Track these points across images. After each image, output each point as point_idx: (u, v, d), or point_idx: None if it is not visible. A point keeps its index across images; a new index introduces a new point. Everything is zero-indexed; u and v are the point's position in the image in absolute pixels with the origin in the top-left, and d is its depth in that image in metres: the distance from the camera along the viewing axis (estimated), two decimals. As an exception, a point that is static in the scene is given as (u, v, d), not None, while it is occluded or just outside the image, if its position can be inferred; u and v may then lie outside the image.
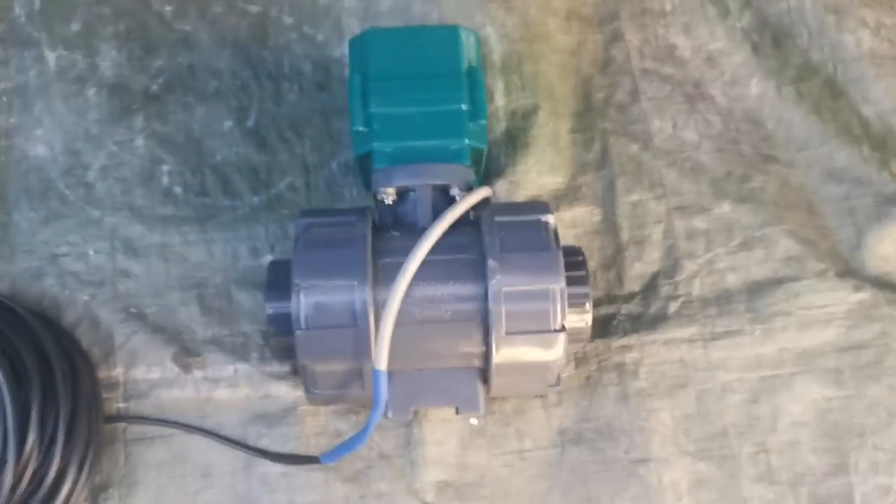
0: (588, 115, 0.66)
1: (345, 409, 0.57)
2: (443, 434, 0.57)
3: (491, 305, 0.47)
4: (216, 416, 0.57)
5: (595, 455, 0.57)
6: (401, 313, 0.47)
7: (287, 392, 0.58)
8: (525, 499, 0.56)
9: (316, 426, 0.57)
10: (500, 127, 0.64)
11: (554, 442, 0.57)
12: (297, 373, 0.57)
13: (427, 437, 0.57)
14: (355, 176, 0.63)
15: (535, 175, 0.63)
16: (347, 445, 0.52)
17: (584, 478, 0.56)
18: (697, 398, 0.58)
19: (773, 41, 0.67)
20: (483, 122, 0.55)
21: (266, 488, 0.56)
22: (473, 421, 0.58)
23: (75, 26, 0.66)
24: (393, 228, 0.52)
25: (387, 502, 0.56)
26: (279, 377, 0.58)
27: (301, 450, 0.57)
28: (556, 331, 0.48)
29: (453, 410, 0.55)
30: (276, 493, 0.56)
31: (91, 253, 0.61)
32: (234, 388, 0.57)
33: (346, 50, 0.66)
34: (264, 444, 0.57)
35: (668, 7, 0.69)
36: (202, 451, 0.56)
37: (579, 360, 0.58)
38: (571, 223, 0.62)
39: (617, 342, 0.59)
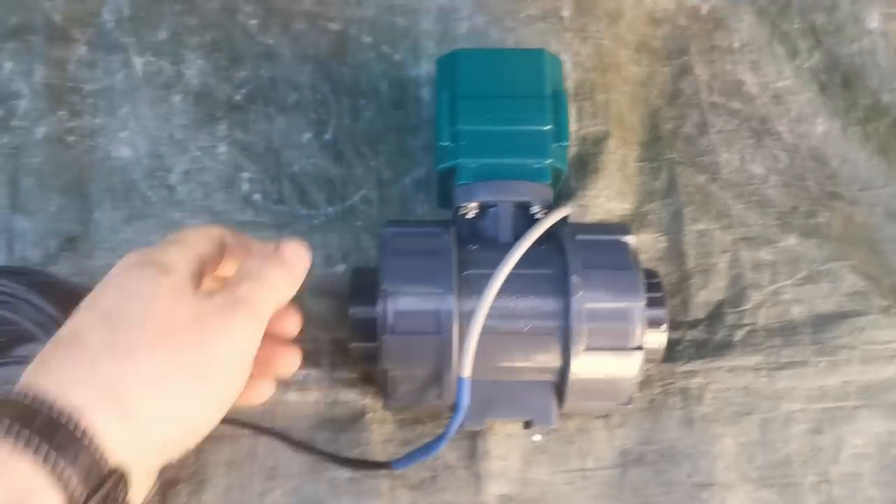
0: (656, 145, 0.67)
1: (411, 419, 0.58)
2: (507, 448, 0.58)
3: (572, 321, 0.48)
4: (285, 419, 0.58)
5: (657, 477, 0.57)
6: (482, 325, 0.48)
7: (356, 398, 0.59)
8: (586, 517, 0.57)
9: (383, 434, 0.58)
10: (571, 152, 0.66)
11: (616, 462, 0.58)
12: (367, 380, 0.58)
13: (492, 450, 0.58)
14: (427, 192, 0.65)
15: (604, 200, 0.64)
16: (421, 452, 0.53)
17: (645, 499, 0.57)
18: (761, 426, 0.58)
19: (842, 81, 0.68)
20: (565, 143, 0.56)
21: (332, 492, 0.57)
22: (536, 437, 0.58)
23: (163, 34, 0.68)
24: (471, 242, 0.54)
25: (451, 512, 0.56)
26: (348, 384, 0.59)
27: (367, 456, 0.58)
28: (634, 349, 0.49)
29: (519, 424, 0.57)
30: (342, 497, 0.56)
31: (171, 253, 0.62)
32: (304, 392, 0.58)
33: (422, 70, 0.69)
34: (332, 448, 0.57)
35: (737, 44, 0.71)
36: (270, 452, 0.57)
37: (644, 382, 0.59)
38: (637, 249, 0.63)
39: (682, 367, 0.60)
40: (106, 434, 0.36)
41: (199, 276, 0.43)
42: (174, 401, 0.39)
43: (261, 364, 0.45)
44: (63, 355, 0.38)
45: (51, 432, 0.34)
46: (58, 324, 0.53)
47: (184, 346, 0.39)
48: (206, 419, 0.42)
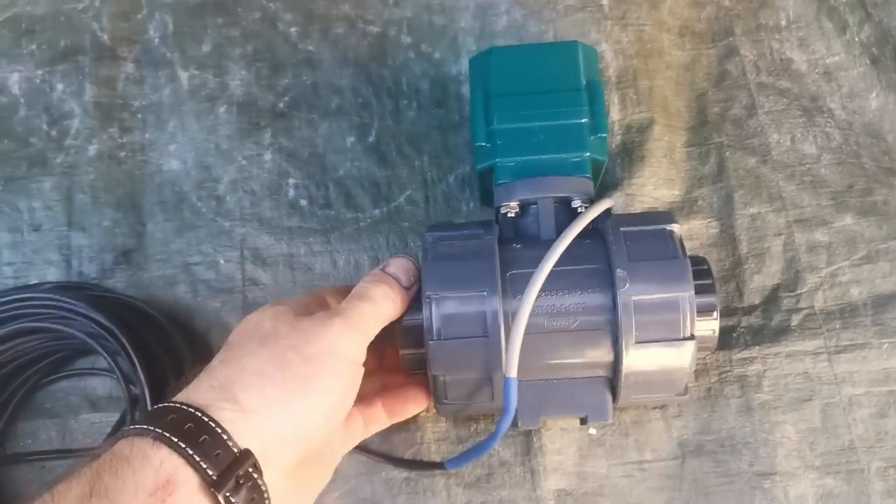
0: (703, 130, 0.66)
1: (465, 416, 0.58)
2: (562, 443, 0.57)
3: (620, 315, 0.48)
4: (340, 420, 0.59)
5: (717, 467, 0.56)
6: (528, 324, 0.47)
7: (409, 398, 0.59)
8: (645, 510, 0.56)
9: (437, 432, 0.58)
10: (615, 141, 0.65)
11: (674, 453, 0.57)
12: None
13: (547, 445, 0.57)
14: (472, 189, 0.65)
15: (652, 188, 0.63)
16: (474, 452, 0.53)
17: (706, 490, 0.56)
18: (823, 411, 0.57)
19: (894, 54, 0.66)
20: (603, 135, 0.55)
21: (389, 493, 0.57)
22: (592, 431, 0.58)
23: (206, 47, 0.70)
24: (514, 241, 0.53)
25: (508, 509, 0.56)
26: (401, 384, 0.59)
27: (422, 455, 0.58)
28: (685, 339, 0.48)
29: (574, 420, 0.57)
30: (398, 497, 0.57)
31: (222, 262, 0.63)
32: (357, 394, 0.59)
33: (462, 68, 0.68)
34: (386, 449, 0.58)
35: (784, 22, 0.69)
36: (326, 454, 0.58)
37: (699, 371, 0.58)
38: (688, 236, 0.62)
39: (738, 354, 0.59)
40: (227, 425, 0.40)
41: (313, 310, 0.48)
42: (280, 397, 0.42)
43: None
44: (195, 379, 0.43)
45: (181, 426, 0.39)
46: (112, 335, 0.55)
47: (284, 348, 0.44)
48: (315, 419, 0.44)
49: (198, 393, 0.42)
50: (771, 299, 0.60)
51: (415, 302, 0.51)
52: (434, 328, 0.49)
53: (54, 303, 0.57)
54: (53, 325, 0.57)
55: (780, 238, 0.62)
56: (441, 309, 0.49)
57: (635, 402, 0.52)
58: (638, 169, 0.64)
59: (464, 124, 0.67)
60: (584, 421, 0.51)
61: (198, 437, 0.39)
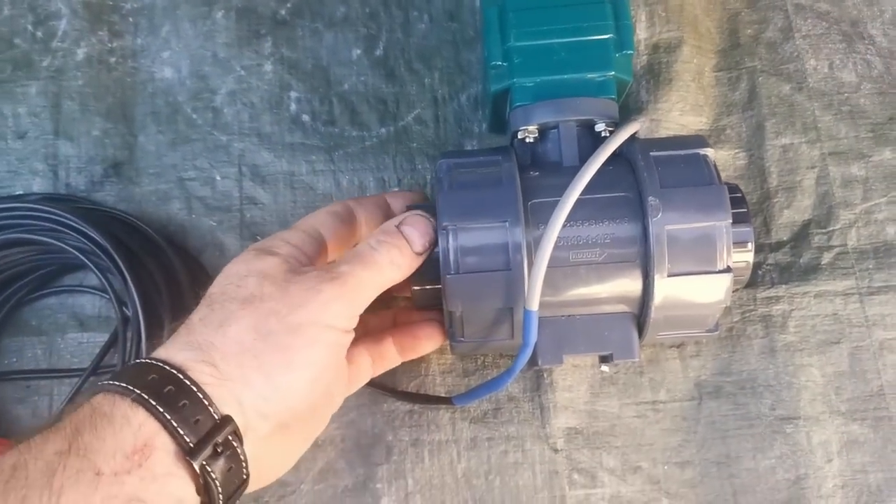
0: (734, 53, 0.62)
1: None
2: (573, 380, 0.55)
3: (652, 245, 0.44)
4: (341, 349, 0.56)
5: (736, 410, 0.54)
6: (552, 256, 0.44)
7: (414, 329, 0.56)
8: (658, 452, 0.54)
9: (442, 364, 0.56)
10: (641, 61, 0.61)
11: (691, 395, 0.54)
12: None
13: (558, 382, 0.55)
14: (485, 111, 0.61)
15: (678, 114, 0.59)
16: (485, 388, 0.50)
17: (723, 433, 0.53)
18: (851, 355, 0.54)
19: (942, -22, 0.62)
20: (629, 52, 0.51)
21: (391, 425, 0.54)
22: (605, 368, 0.55)
23: (203, -54, 0.64)
24: (532, 169, 0.49)
25: (515, 446, 0.54)
26: (406, 313, 0.56)
27: (426, 388, 0.55)
28: (721, 271, 0.44)
29: (586, 357, 0.54)
30: (400, 430, 0.54)
31: (218, 178, 0.59)
32: (360, 322, 0.56)
33: (478, -22, 0.63)
34: (389, 381, 0.55)
35: (825, -61, 0.64)
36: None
37: (720, 309, 0.55)
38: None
39: (763, 293, 0.56)
40: (208, 390, 0.38)
41: (308, 256, 0.45)
42: (258, 367, 0.40)
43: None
44: (176, 333, 0.41)
45: (160, 388, 0.37)
46: (105, 252, 0.52)
47: (267, 315, 0.40)
48: (296, 391, 0.41)
49: (178, 351, 0.40)
50: (801, 236, 0.57)
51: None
52: (452, 261, 0.45)
53: (44, 214, 0.54)
54: (42, 238, 0.54)
55: (814, 171, 0.58)
56: (459, 241, 0.45)
57: (662, 338, 0.49)
58: (664, 93, 0.60)
59: (478, 40, 0.62)
60: (605, 360, 0.48)
61: (177, 402, 0.37)
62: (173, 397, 0.37)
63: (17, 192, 0.59)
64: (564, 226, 0.44)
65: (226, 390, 0.39)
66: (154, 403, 0.37)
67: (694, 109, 0.60)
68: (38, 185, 0.60)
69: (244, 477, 0.40)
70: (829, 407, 0.53)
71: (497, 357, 0.55)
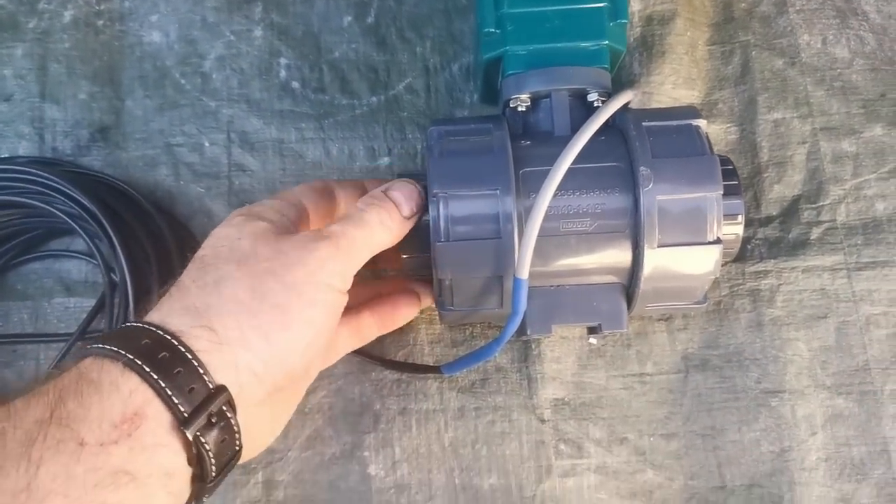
0: (728, 27, 0.61)
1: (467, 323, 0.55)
2: (561, 351, 0.55)
3: (643, 216, 0.44)
4: (329, 318, 0.55)
5: (723, 383, 0.54)
6: (542, 226, 0.43)
7: (402, 298, 0.56)
8: (644, 423, 0.54)
9: (431, 334, 0.55)
10: (634, 33, 0.60)
11: (677, 367, 0.55)
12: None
13: (546, 353, 0.55)
14: (477, 80, 0.60)
15: (671, 87, 0.59)
16: (473, 357, 0.50)
17: (709, 406, 0.54)
18: (838, 330, 0.54)
19: (937, -46, 0.61)
20: (623, 21, 0.50)
21: (378, 394, 0.54)
22: (592, 340, 0.55)
23: None
24: (523, 137, 0.49)
25: (502, 416, 0.54)
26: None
27: (414, 358, 0.55)
28: (711, 243, 0.44)
29: (574, 329, 0.54)
30: (388, 398, 0.54)
31: (206, 144, 0.59)
32: (348, 290, 0.56)
33: (472, -54, 0.63)
34: (377, 350, 0.55)
35: (821, -86, 0.64)
36: (313, 352, 0.55)
37: (708, 283, 0.55)
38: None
39: (752, 267, 0.56)
40: (203, 356, 0.37)
41: (293, 223, 0.44)
42: (257, 327, 0.39)
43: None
44: (167, 296, 0.40)
45: (154, 354, 0.36)
46: (93, 217, 0.51)
47: (263, 274, 0.40)
48: (293, 351, 0.40)
49: (172, 315, 0.38)
50: (790, 211, 0.57)
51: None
52: (442, 228, 0.45)
53: (31, 177, 0.53)
54: (29, 201, 0.53)
55: (805, 146, 0.58)
56: (450, 208, 0.45)
57: (651, 310, 0.49)
58: (657, 65, 0.59)
59: (470, 8, 0.62)
60: (593, 330, 0.48)
61: (172, 369, 0.36)
62: (168, 363, 0.36)
63: (3, 156, 0.59)
64: (555, 195, 0.44)
65: (222, 355, 0.38)
66: (148, 370, 0.35)
67: (686, 83, 0.59)
68: (24, 149, 0.59)
69: (237, 448, 0.39)
70: (814, 381, 0.53)
71: (486, 328, 0.55)
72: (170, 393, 0.35)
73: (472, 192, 0.45)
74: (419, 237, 0.47)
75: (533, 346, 0.55)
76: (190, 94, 0.60)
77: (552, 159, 0.44)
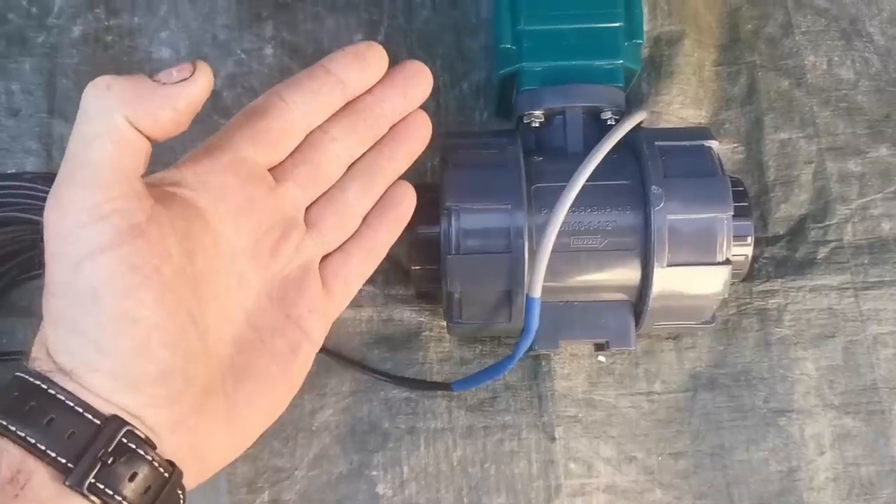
0: (735, 48, 0.62)
1: (473, 338, 0.55)
2: (571, 369, 0.55)
3: (653, 235, 0.44)
4: (338, 336, 0.55)
5: (730, 402, 0.54)
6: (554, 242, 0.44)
7: (411, 317, 0.56)
8: (652, 442, 0.54)
9: (440, 352, 0.55)
10: (642, 54, 0.61)
11: (686, 386, 0.55)
12: (423, 297, 0.55)
13: (556, 370, 0.55)
14: (486, 97, 0.60)
15: (678, 107, 0.59)
16: (485, 374, 0.50)
17: (717, 425, 0.54)
18: (846, 349, 0.55)
19: (939, -21, 0.62)
20: (639, 41, 0.51)
21: (388, 412, 0.54)
22: (601, 358, 0.55)
23: (204, -74, 0.64)
24: (536, 153, 0.49)
25: (511, 434, 0.54)
26: (403, 301, 0.56)
27: (423, 375, 0.55)
28: (720, 263, 0.45)
29: (584, 346, 0.54)
30: (397, 417, 0.54)
31: (216, 161, 0.59)
32: (357, 309, 0.56)
33: (480, -34, 0.63)
34: (387, 367, 0.55)
35: (825, -63, 0.65)
36: (321, 371, 0.55)
37: (717, 302, 0.56)
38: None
39: (759, 286, 0.56)
40: (89, 388, 0.34)
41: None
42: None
43: None
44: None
45: (22, 407, 0.33)
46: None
47: None
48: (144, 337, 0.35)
49: (40, 353, 0.34)
50: (797, 230, 0.57)
51: (426, 213, 0.47)
52: (453, 241, 0.45)
53: (38, 193, 0.53)
54: (35, 217, 0.53)
55: (811, 166, 0.58)
56: (462, 221, 0.45)
57: (659, 328, 0.49)
58: (665, 86, 0.60)
59: (480, 27, 0.62)
60: (601, 347, 0.49)
61: (42, 419, 0.32)
62: (36, 414, 0.33)
63: (10, 171, 0.58)
64: (568, 212, 0.44)
65: (103, 381, 0.34)
66: (14, 428, 0.32)
67: (694, 103, 0.60)
68: (32, 164, 0.59)
69: (165, 475, 0.35)
70: (822, 400, 0.54)
71: (495, 346, 0.55)
72: (43, 447, 0.32)
73: (484, 205, 0.45)
74: (428, 249, 0.47)
75: (543, 364, 0.55)
76: (200, 112, 0.59)
77: (565, 176, 0.44)
